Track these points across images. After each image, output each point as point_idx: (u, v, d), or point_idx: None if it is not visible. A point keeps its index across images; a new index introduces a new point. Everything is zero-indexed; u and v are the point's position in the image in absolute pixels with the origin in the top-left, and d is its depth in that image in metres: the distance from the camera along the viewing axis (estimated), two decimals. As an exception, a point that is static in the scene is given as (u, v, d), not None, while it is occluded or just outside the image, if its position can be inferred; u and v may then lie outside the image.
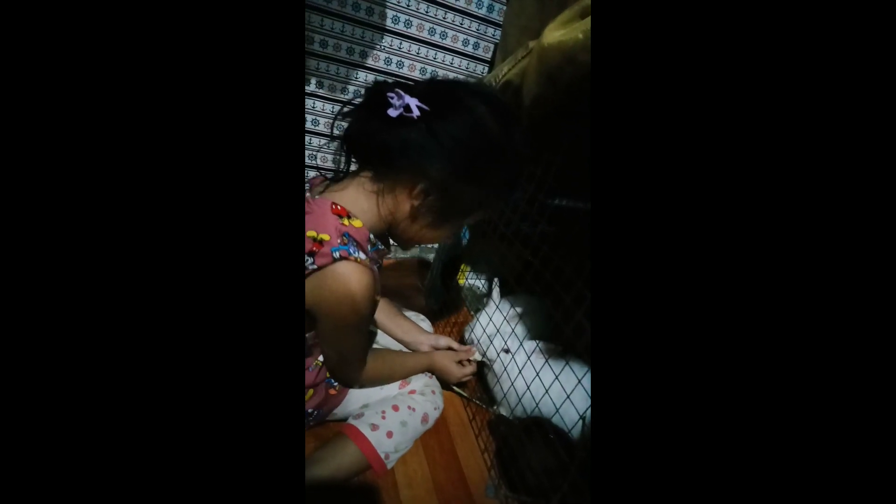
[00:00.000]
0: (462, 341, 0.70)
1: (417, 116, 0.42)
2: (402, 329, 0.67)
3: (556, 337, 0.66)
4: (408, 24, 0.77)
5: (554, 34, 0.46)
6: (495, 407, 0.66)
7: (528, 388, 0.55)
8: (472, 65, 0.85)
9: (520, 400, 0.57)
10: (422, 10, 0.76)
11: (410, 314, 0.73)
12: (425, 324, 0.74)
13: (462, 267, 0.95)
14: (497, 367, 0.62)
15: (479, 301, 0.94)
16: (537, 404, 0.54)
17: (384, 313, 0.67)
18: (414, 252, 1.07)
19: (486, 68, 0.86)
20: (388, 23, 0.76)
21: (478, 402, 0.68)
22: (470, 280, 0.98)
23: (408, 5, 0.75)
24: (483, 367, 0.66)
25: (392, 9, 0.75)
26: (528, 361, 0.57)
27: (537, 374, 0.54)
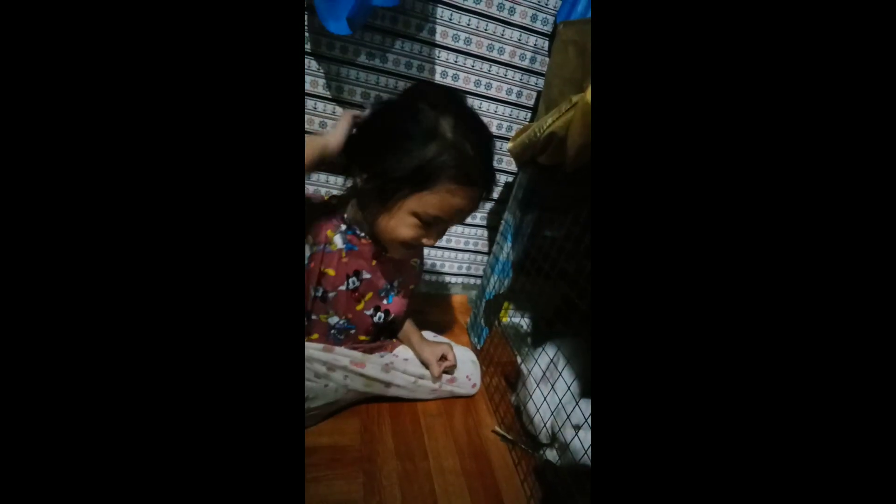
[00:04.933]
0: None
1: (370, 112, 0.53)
2: (412, 340, 0.72)
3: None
4: (455, 77, 0.83)
5: (597, 91, 0.48)
6: (541, 452, 0.64)
7: (577, 434, 0.54)
8: (515, 111, 0.89)
9: (567, 446, 0.56)
10: (468, 65, 0.82)
11: (458, 349, 0.76)
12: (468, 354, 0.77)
13: (504, 304, 0.96)
14: (574, 446, 0.56)
15: (522, 340, 0.94)
16: (586, 451, 0.52)
17: (407, 332, 0.73)
18: (457, 290, 1.09)
19: (529, 115, 0.90)
20: (437, 77, 0.82)
21: (523, 446, 0.66)
22: (512, 318, 0.98)
23: (455, 61, 0.81)
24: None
25: (441, 65, 0.81)
26: (577, 407, 0.56)
27: (586, 420, 0.53)
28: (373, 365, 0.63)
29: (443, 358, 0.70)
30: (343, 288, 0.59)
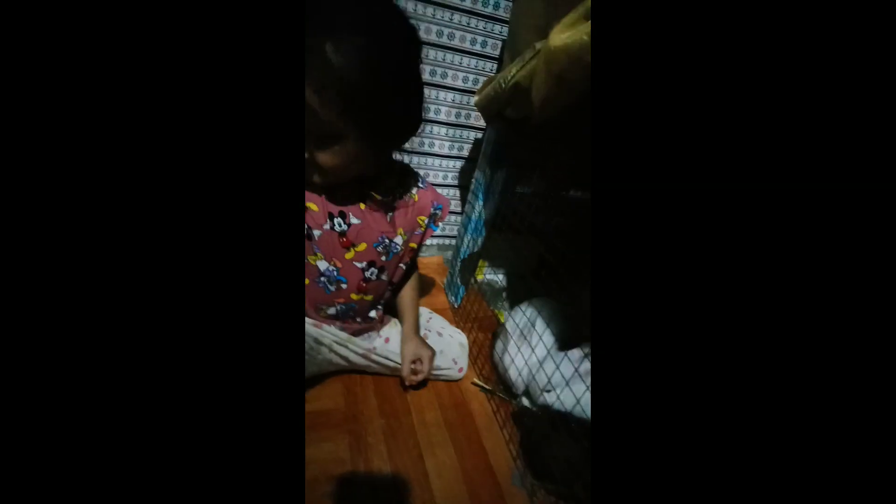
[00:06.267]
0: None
1: None
2: (404, 324, 0.71)
3: (575, 334, 0.67)
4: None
5: (560, 36, 0.47)
6: (518, 399, 0.68)
7: (550, 380, 0.57)
8: (480, 63, 0.85)
9: (542, 393, 0.59)
10: (429, 14, 0.78)
11: (448, 328, 0.77)
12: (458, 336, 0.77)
13: (479, 263, 0.97)
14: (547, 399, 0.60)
15: (498, 296, 0.96)
16: (559, 396, 0.56)
17: (404, 307, 0.72)
18: (433, 252, 1.10)
19: (495, 66, 0.86)
20: (397, 28, 0.77)
21: (501, 395, 0.70)
22: (488, 275, 1.00)
23: (415, 10, 0.76)
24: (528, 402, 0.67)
25: (400, 14, 0.76)
26: (549, 355, 0.58)
27: (557, 367, 0.55)
28: (356, 347, 0.63)
29: (418, 361, 0.67)
30: (328, 227, 0.56)
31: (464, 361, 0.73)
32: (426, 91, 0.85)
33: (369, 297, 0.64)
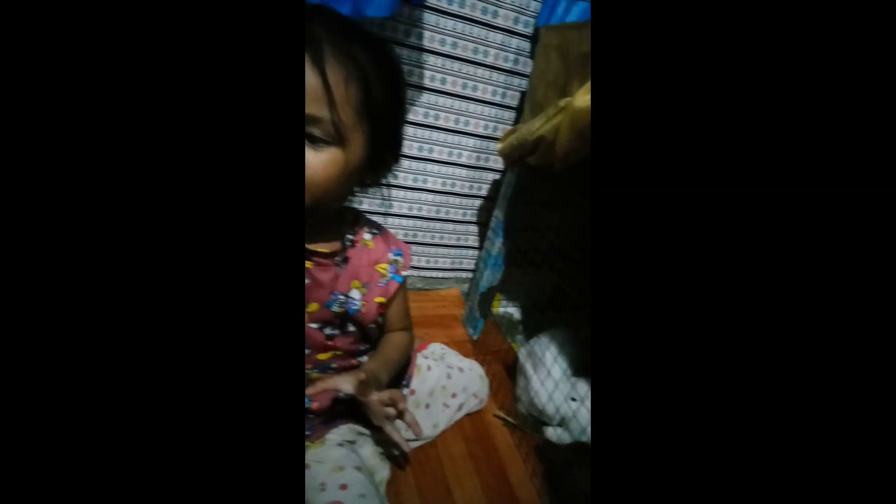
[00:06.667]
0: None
1: None
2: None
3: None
4: (443, 81, 0.86)
5: (585, 98, 0.53)
6: (541, 431, 0.69)
7: (575, 414, 0.59)
8: (500, 112, 0.92)
9: (565, 425, 0.61)
10: (455, 69, 0.85)
11: (465, 362, 0.75)
12: (473, 369, 0.75)
13: (496, 295, 1.00)
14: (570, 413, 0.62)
15: (515, 328, 0.99)
16: (584, 430, 0.58)
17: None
18: (450, 284, 1.13)
19: (514, 115, 0.93)
20: (426, 81, 0.85)
21: (523, 427, 0.71)
22: (503, 308, 1.03)
23: (443, 65, 0.84)
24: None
25: (429, 69, 0.84)
26: (573, 388, 0.61)
27: (582, 402, 0.58)
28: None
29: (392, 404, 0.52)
30: None
31: (484, 393, 0.74)
32: (452, 138, 0.92)
33: (340, 352, 0.58)
